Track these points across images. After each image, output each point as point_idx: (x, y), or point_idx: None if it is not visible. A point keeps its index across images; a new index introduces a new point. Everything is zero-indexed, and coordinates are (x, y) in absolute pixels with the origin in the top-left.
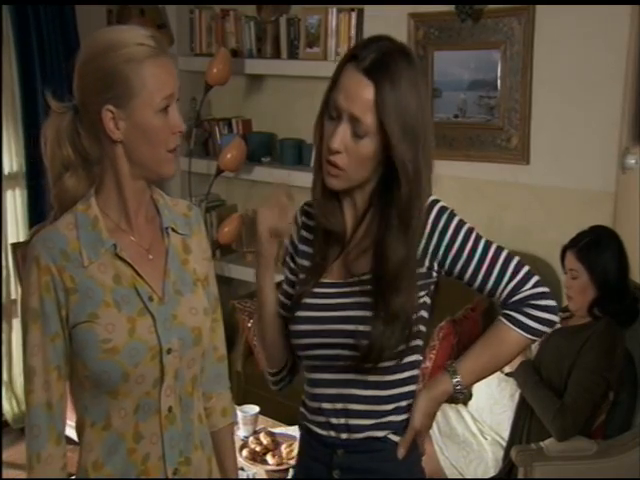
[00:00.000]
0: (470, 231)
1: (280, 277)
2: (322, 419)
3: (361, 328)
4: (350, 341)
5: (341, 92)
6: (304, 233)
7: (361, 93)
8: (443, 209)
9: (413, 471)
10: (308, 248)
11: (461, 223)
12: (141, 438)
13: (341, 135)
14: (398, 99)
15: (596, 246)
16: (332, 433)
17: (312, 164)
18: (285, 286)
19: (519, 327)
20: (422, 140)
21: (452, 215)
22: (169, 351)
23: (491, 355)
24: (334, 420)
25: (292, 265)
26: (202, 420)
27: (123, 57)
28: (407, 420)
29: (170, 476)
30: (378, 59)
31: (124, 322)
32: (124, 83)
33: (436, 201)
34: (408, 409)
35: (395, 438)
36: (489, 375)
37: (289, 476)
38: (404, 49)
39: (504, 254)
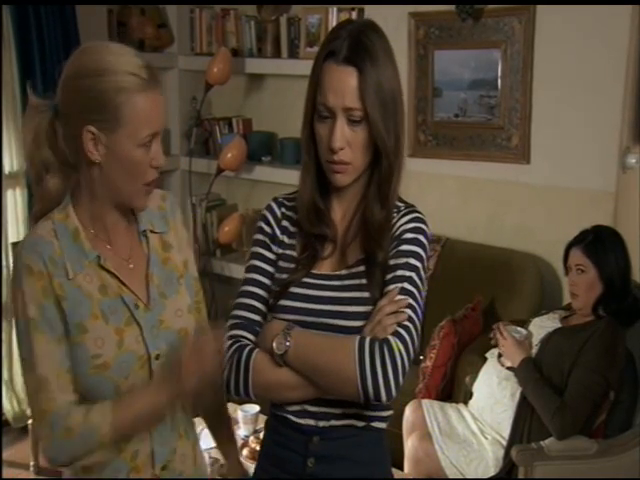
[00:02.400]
0: (419, 242)
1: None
2: (297, 407)
3: (354, 324)
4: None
5: (329, 91)
6: (286, 224)
7: (347, 83)
8: (418, 218)
9: (385, 458)
10: (292, 240)
11: (421, 230)
12: (131, 438)
13: (340, 132)
14: (378, 75)
15: (602, 243)
16: (310, 421)
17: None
18: (259, 276)
19: (359, 358)
20: (399, 108)
21: (421, 221)
22: (157, 357)
23: (324, 349)
24: (313, 408)
25: (270, 255)
26: (186, 410)
27: (114, 84)
28: (388, 417)
29: (158, 472)
30: (352, 43)
31: (112, 334)
32: (112, 111)
33: (418, 212)
34: (388, 406)
35: (376, 424)
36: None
37: None
38: (371, 23)
39: (413, 289)
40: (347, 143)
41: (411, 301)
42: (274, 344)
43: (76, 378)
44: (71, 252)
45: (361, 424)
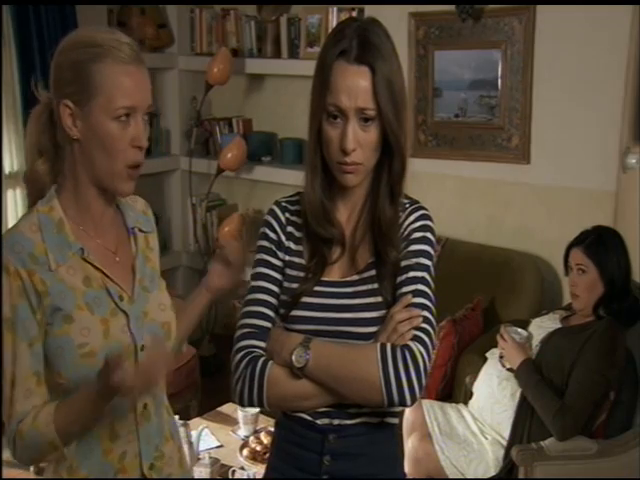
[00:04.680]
0: (427, 240)
1: None
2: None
3: (369, 330)
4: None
5: (341, 92)
6: (291, 229)
7: (361, 83)
8: (425, 215)
9: (399, 452)
10: (298, 246)
11: (428, 227)
12: (117, 437)
13: (352, 133)
14: (388, 73)
15: (603, 244)
16: (325, 420)
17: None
18: (267, 284)
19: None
20: (406, 104)
21: (427, 217)
22: (142, 348)
23: (345, 359)
24: (328, 407)
25: (276, 262)
26: (169, 412)
27: (92, 55)
28: (401, 411)
29: (146, 471)
30: (362, 41)
31: (98, 324)
32: (85, 81)
33: (423, 208)
34: None
35: (389, 420)
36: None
37: None
38: (375, 20)
39: (426, 290)
40: (359, 144)
41: (426, 302)
42: (293, 357)
43: (61, 372)
44: (54, 243)
45: (375, 420)
